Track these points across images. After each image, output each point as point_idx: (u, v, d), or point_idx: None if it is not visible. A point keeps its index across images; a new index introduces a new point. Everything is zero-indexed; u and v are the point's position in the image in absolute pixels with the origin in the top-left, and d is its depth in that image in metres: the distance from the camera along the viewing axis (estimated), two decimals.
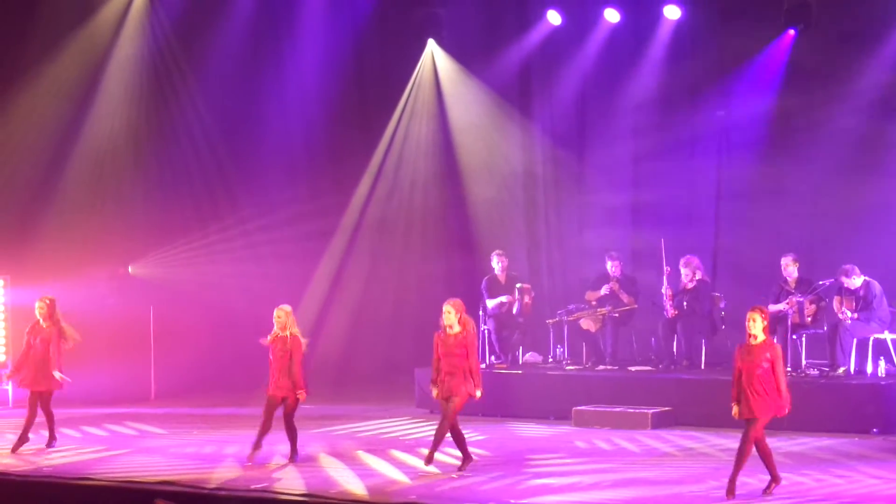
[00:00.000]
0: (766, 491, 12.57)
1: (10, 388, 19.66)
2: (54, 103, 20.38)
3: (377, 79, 22.88)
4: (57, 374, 15.83)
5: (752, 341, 12.61)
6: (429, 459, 14.01)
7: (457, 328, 14.08)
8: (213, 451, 15.73)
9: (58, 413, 16.47)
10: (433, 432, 14.26)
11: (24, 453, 15.51)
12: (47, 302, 16.06)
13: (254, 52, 21.52)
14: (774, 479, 12.61)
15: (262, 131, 21.96)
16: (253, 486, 13.26)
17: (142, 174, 21.21)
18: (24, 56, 20.06)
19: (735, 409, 12.59)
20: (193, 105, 21.41)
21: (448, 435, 14.06)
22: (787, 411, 12.62)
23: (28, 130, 20.26)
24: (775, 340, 17.11)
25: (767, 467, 12.63)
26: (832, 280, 17.59)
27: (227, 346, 20.20)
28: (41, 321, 16.03)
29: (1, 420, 18.38)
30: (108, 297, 20.54)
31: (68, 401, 18.86)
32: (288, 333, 14.73)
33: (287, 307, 14.90)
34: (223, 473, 14.06)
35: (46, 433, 15.99)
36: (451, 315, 14.08)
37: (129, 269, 20.99)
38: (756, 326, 12.58)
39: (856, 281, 17.33)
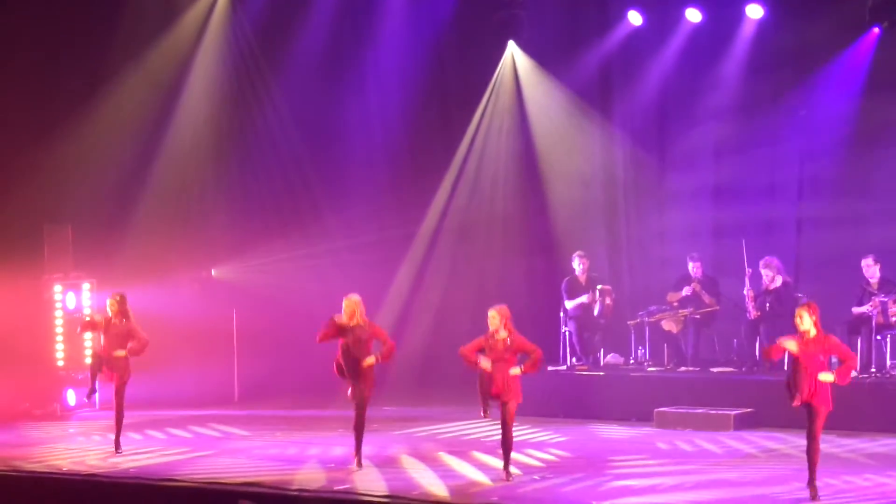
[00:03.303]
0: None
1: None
2: (138, 109, 20.60)
3: (457, 81, 22.85)
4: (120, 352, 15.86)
5: (807, 336, 12.57)
6: (507, 473, 13.96)
7: (503, 333, 13.93)
8: (296, 452, 15.85)
9: (143, 415, 16.65)
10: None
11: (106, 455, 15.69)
12: (118, 298, 16.15)
13: (335, 57, 21.62)
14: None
15: (342, 136, 22.05)
16: (336, 488, 13.35)
17: (225, 179, 21.40)
18: (108, 62, 20.30)
19: (798, 399, 12.45)
20: (276, 111, 21.56)
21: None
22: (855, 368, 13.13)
23: (112, 137, 20.47)
24: (859, 343, 17.06)
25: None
26: None
27: (310, 349, 20.25)
28: (113, 318, 16.11)
29: (89, 422, 18.64)
30: (191, 301, 20.72)
31: (154, 403, 19.13)
32: (359, 321, 14.52)
33: (356, 296, 14.66)
34: (306, 475, 14.17)
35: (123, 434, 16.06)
36: (495, 320, 13.91)
37: (213, 273, 21.18)
38: (805, 322, 12.55)
39: None
